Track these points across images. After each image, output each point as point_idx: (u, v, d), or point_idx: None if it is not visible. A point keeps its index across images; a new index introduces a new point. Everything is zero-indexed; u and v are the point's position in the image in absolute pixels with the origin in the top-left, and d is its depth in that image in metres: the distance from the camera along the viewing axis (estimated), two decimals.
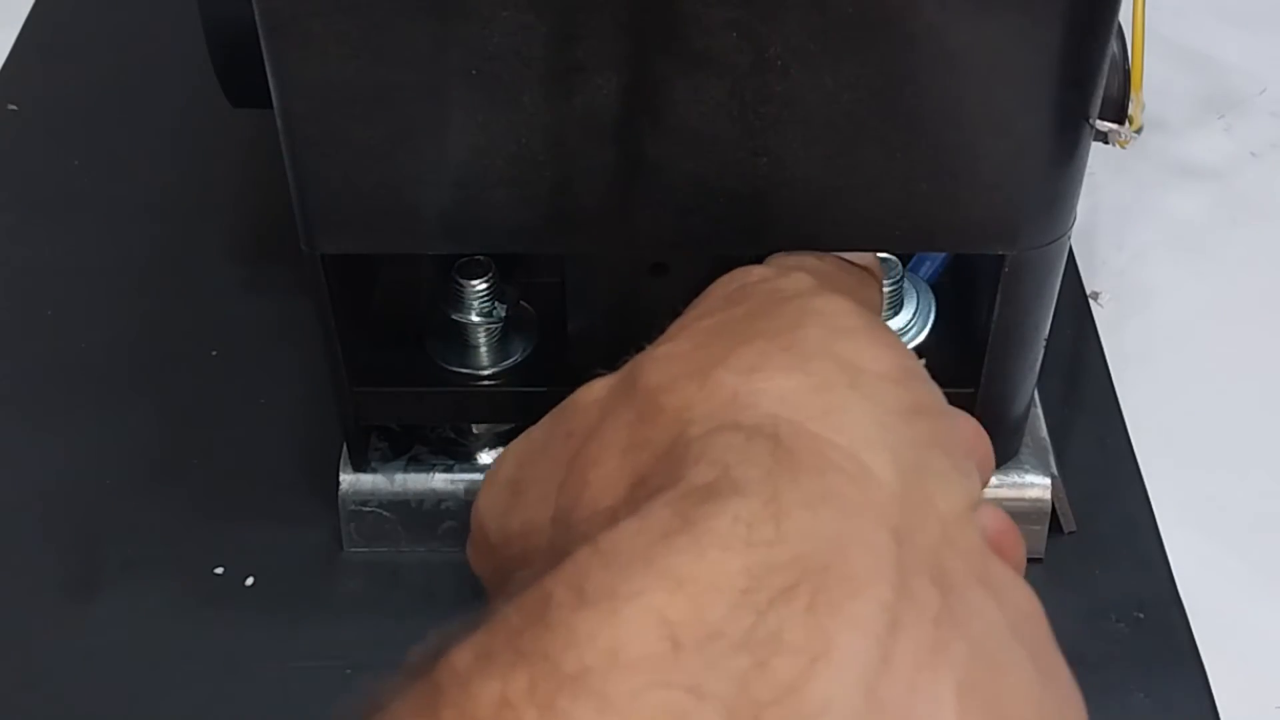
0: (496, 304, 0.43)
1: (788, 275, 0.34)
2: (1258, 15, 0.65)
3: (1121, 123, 0.37)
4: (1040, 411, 0.45)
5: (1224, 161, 0.59)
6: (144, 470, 0.48)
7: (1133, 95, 0.37)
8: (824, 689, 0.24)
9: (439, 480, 0.44)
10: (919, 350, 0.43)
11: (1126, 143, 0.37)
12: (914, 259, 0.44)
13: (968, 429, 0.33)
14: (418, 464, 0.45)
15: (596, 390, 0.32)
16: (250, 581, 0.45)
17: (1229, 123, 0.61)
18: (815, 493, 0.26)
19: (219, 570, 0.45)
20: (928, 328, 0.43)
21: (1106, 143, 0.37)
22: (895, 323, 0.43)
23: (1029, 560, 0.44)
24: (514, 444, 0.33)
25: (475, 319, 0.43)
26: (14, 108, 0.62)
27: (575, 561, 0.25)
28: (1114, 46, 0.36)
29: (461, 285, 0.43)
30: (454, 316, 0.43)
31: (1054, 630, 0.44)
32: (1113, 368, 0.51)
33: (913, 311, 0.43)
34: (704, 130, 0.35)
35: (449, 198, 0.36)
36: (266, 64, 0.34)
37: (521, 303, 0.45)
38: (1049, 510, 0.44)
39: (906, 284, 0.43)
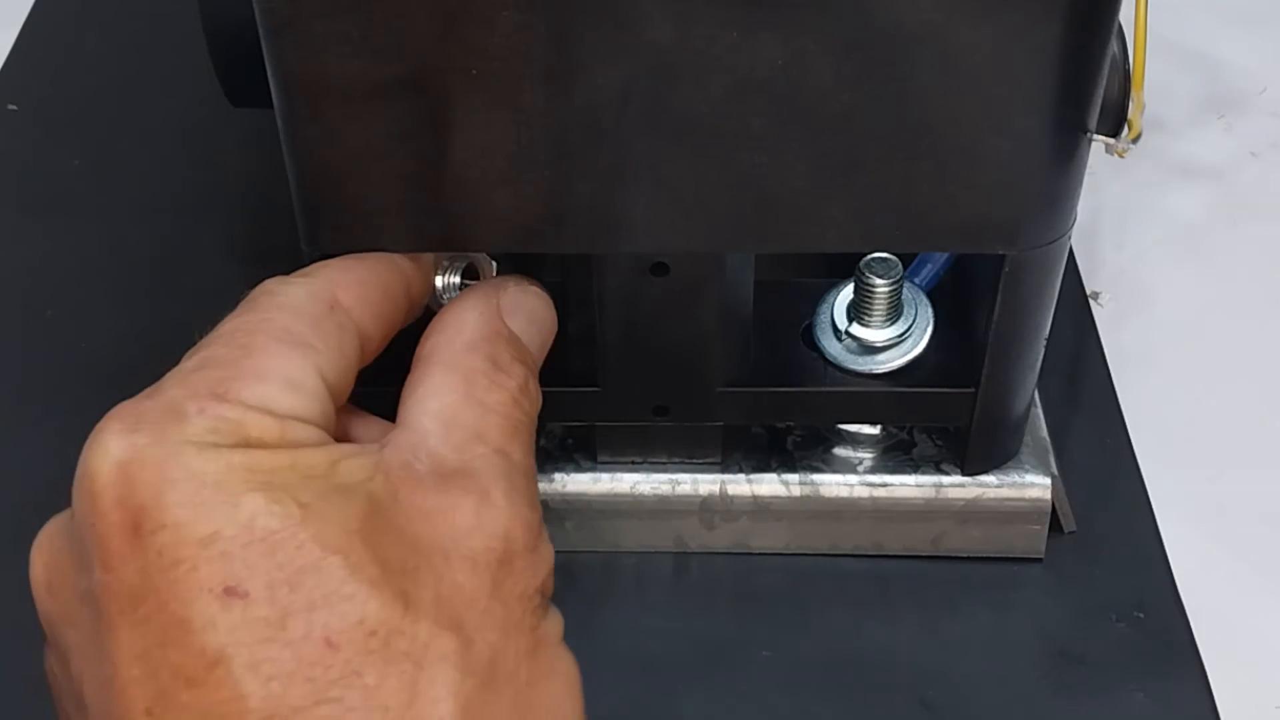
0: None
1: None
2: (1258, 15, 0.65)
3: (1120, 126, 0.37)
4: (1040, 411, 0.45)
5: (1224, 161, 0.59)
6: None
7: (1133, 95, 0.37)
8: None
9: None
10: (918, 359, 0.43)
11: (1125, 152, 0.37)
12: (912, 265, 0.44)
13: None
14: None
15: None
16: None
17: (1229, 123, 0.61)
18: None
19: None
20: (926, 337, 0.43)
21: (1106, 152, 0.37)
22: (893, 330, 0.43)
23: (1028, 560, 0.45)
24: None
25: None
26: (14, 108, 0.62)
27: None
28: (1114, 47, 0.36)
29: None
30: None
31: (1054, 630, 0.44)
32: (1113, 368, 0.51)
33: (910, 320, 0.43)
34: (704, 130, 0.35)
35: (449, 198, 0.36)
36: (266, 64, 0.34)
37: None
38: (1049, 510, 0.44)
39: (905, 292, 0.43)
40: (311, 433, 0.31)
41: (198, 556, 0.28)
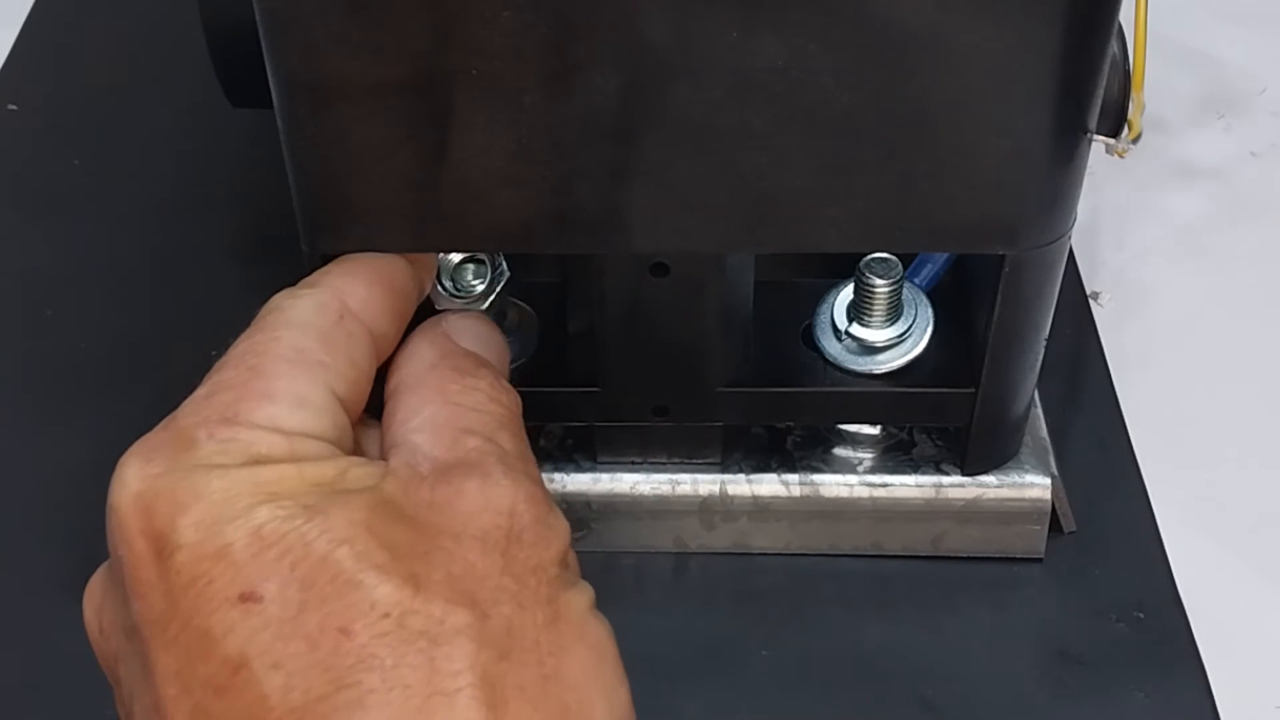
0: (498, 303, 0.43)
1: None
2: (1258, 15, 0.65)
3: (1120, 126, 0.37)
4: (1040, 411, 0.45)
5: (1224, 161, 0.59)
6: None
7: (1133, 95, 0.37)
8: None
9: None
10: (918, 359, 0.43)
11: (1125, 152, 0.37)
12: (912, 265, 0.44)
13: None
14: None
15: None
16: None
17: (1229, 123, 0.61)
18: None
19: None
20: (926, 337, 0.43)
21: (1106, 152, 0.37)
22: (893, 330, 0.43)
23: (1028, 560, 0.45)
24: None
25: None
26: (14, 108, 0.62)
27: None
28: (1114, 47, 0.36)
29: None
30: None
31: (1054, 630, 0.44)
32: (1113, 368, 0.51)
33: (910, 320, 0.43)
34: (704, 130, 0.35)
35: (449, 198, 0.36)
36: (266, 64, 0.34)
37: (521, 303, 0.45)
38: (1049, 510, 0.44)
39: (905, 292, 0.43)
40: (321, 448, 0.32)
41: (212, 570, 0.29)
